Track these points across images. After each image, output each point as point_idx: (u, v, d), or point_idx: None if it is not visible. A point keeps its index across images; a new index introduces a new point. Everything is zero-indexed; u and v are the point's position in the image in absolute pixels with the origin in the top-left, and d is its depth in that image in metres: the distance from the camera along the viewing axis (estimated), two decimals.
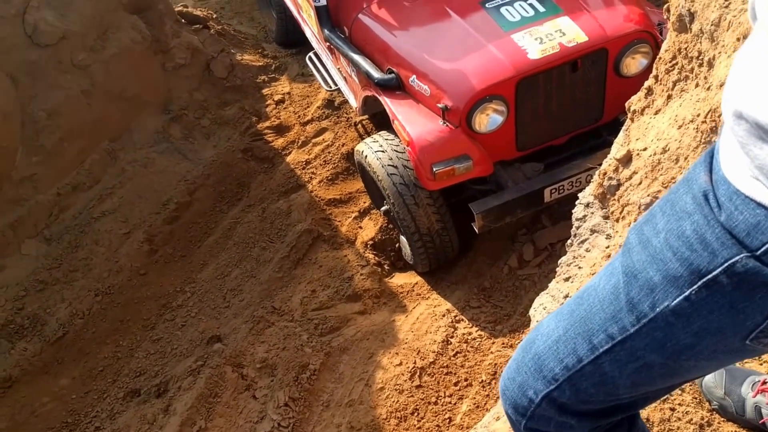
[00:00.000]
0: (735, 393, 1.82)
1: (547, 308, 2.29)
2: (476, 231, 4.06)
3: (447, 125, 3.82)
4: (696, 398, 1.88)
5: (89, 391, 4.15)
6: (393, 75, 4.13)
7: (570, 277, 2.30)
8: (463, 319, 4.16)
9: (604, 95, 4.01)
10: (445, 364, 3.92)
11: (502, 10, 3.97)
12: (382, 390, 3.82)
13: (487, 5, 4.02)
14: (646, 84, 2.14)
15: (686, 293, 1.06)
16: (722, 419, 1.84)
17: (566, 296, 2.25)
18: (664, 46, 2.09)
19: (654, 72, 2.10)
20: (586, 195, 2.37)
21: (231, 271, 4.79)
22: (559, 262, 2.55)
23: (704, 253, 1.03)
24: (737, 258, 0.99)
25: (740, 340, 1.07)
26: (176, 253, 5.04)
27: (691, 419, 1.86)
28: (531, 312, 2.49)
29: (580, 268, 2.20)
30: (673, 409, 1.84)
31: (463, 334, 4.06)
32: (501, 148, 4.00)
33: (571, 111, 4.02)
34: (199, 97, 6.16)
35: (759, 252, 0.97)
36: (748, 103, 0.95)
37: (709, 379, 1.87)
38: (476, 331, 4.07)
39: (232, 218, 5.20)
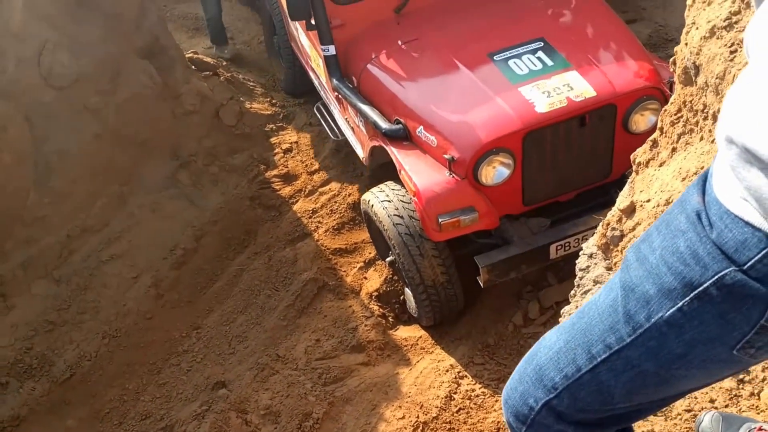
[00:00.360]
0: None
1: None
2: (481, 285, 4.05)
3: (453, 177, 3.87)
4: None
5: None
6: (400, 125, 4.19)
7: None
8: (466, 375, 4.16)
9: (612, 151, 4.02)
10: (447, 420, 3.91)
11: (511, 62, 4.03)
12: None
13: (495, 57, 4.08)
14: (652, 137, 2.21)
15: (679, 304, 1.14)
16: None
17: None
18: (670, 99, 2.15)
19: (659, 124, 2.16)
20: (590, 246, 2.43)
21: (236, 318, 4.83)
22: (561, 311, 2.59)
23: (696, 267, 1.11)
24: (726, 271, 1.08)
25: (728, 350, 1.14)
26: (182, 299, 5.08)
27: None
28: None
29: None
30: None
31: (467, 390, 4.05)
32: (507, 201, 4.02)
33: (579, 167, 4.04)
34: (208, 144, 6.25)
35: (746, 266, 1.06)
36: (738, 129, 1.04)
37: (705, 424, 1.91)
38: (479, 388, 4.07)
39: (239, 265, 5.25)
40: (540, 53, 4.05)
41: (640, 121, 3.94)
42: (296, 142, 6.41)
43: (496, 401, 3.94)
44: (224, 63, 6.99)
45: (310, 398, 4.04)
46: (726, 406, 1.95)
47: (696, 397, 1.99)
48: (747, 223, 1.05)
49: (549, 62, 3.99)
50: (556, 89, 3.84)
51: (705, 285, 1.10)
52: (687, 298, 1.13)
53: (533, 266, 4.08)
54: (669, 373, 1.21)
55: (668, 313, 1.15)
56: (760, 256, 1.04)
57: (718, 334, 1.13)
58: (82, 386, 4.48)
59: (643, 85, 3.91)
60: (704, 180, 1.16)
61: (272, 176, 6.03)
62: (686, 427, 1.96)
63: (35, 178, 5.04)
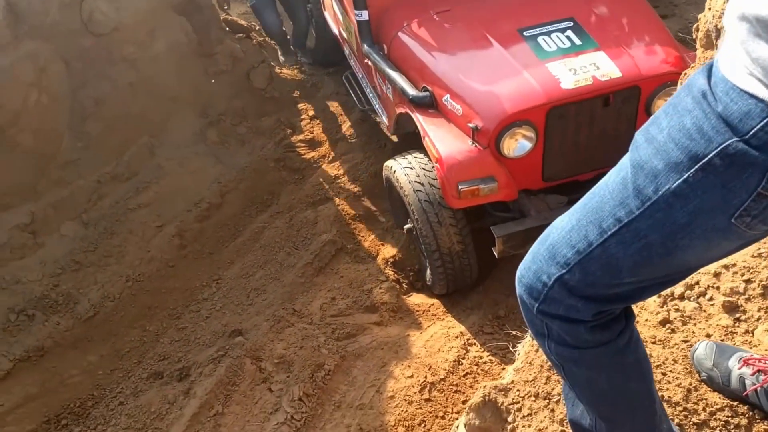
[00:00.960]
0: (722, 365, 1.97)
1: None
2: (496, 255, 4.12)
3: (476, 146, 3.95)
4: (686, 368, 2.02)
5: (115, 369, 4.35)
6: (427, 93, 4.27)
7: None
8: (475, 343, 4.27)
9: (633, 134, 4.06)
10: (454, 383, 4.03)
11: (540, 39, 4.09)
12: (392, 398, 3.94)
13: (525, 33, 4.14)
14: (670, 100, 2.28)
15: (685, 176, 1.24)
16: (709, 389, 1.98)
17: None
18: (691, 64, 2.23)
19: (678, 87, 2.23)
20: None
21: (256, 272, 4.97)
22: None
23: (701, 140, 1.21)
24: (729, 141, 1.18)
25: (727, 219, 1.24)
26: (204, 250, 5.24)
27: (680, 384, 1.99)
28: None
29: None
30: (664, 374, 1.99)
31: (475, 356, 4.17)
32: (527, 175, 4.09)
33: (600, 147, 4.09)
34: (238, 105, 6.39)
35: (748, 135, 1.16)
36: (751, 2, 1.14)
37: (700, 352, 2.02)
38: (487, 356, 4.18)
39: (261, 223, 5.40)
40: (569, 32, 4.11)
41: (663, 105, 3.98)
42: (323, 110, 6.54)
43: (503, 369, 4.05)
44: (257, 27, 7.10)
45: (323, 351, 4.18)
46: (722, 341, 2.06)
47: (693, 332, 2.10)
48: (752, 96, 1.15)
49: (577, 41, 4.05)
50: (583, 67, 3.90)
51: (709, 156, 1.20)
52: (692, 170, 1.23)
53: None
54: (673, 243, 1.31)
55: (675, 184, 1.25)
56: (761, 124, 1.14)
57: (719, 202, 1.23)
58: (104, 325, 4.66)
59: (668, 70, 3.95)
60: (710, 67, 1.26)
61: (297, 141, 6.16)
62: (682, 355, 2.07)
63: (70, 121, 5.20)
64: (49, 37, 5.05)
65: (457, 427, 2.39)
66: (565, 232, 1.43)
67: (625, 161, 1.38)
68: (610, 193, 1.37)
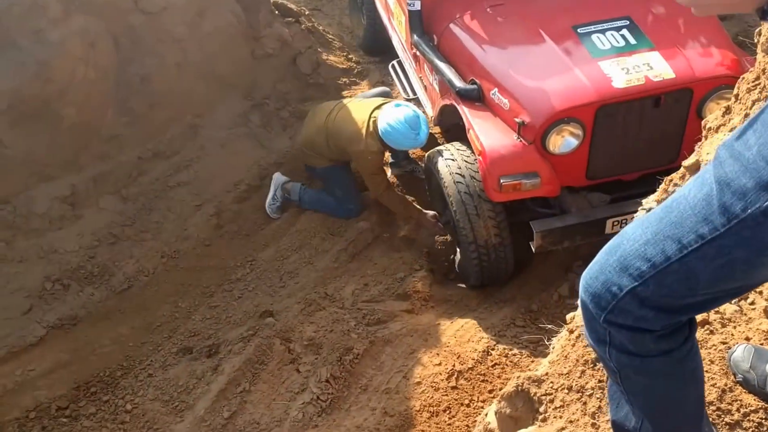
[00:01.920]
0: (760, 368, 1.94)
1: None
2: (533, 250, 4.10)
3: (521, 141, 3.91)
4: (722, 369, 1.99)
5: (146, 342, 4.39)
6: (475, 86, 4.24)
7: None
8: (506, 335, 4.24)
9: (682, 137, 4.00)
10: (482, 372, 4.00)
11: (594, 37, 4.04)
12: (419, 384, 3.92)
13: (579, 30, 4.09)
14: (726, 104, 2.24)
15: None
16: (744, 391, 1.95)
17: None
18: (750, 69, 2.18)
19: (735, 91, 2.19)
20: (650, 201, 2.48)
21: (290, 255, 4.98)
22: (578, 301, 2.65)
23: None
24: None
25: None
26: (241, 231, 5.26)
27: (716, 384, 1.97)
28: (578, 301, 2.59)
29: None
30: None
31: (504, 348, 4.13)
32: (571, 173, 4.05)
33: (647, 148, 4.03)
34: (282, 89, 6.39)
35: None
36: None
37: (737, 354, 2.00)
38: (517, 348, 4.14)
39: (297, 207, 5.39)
40: (624, 31, 4.05)
41: (715, 109, 3.88)
42: None
43: (532, 362, 4.01)
44: (306, 12, 7.10)
45: (352, 335, 4.17)
46: (761, 345, 2.02)
47: (733, 335, 2.06)
48: None
49: (632, 41, 3.99)
50: (636, 67, 3.84)
51: None
52: None
53: (588, 238, 4.10)
54: (759, 260, 1.30)
55: (765, 203, 1.23)
56: None
57: None
58: (137, 298, 4.70)
59: (723, 73, 3.88)
60: None
61: None
62: (719, 356, 2.03)
63: (116, 97, 5.24)
64: (100, 13, 5.09)
65: (486, 415, 2.37)
66: (639, 245, 1.42)
67: (706, 176, 1.35)
68: (691, 208, 1.35)
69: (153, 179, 5.43)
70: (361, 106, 4.97)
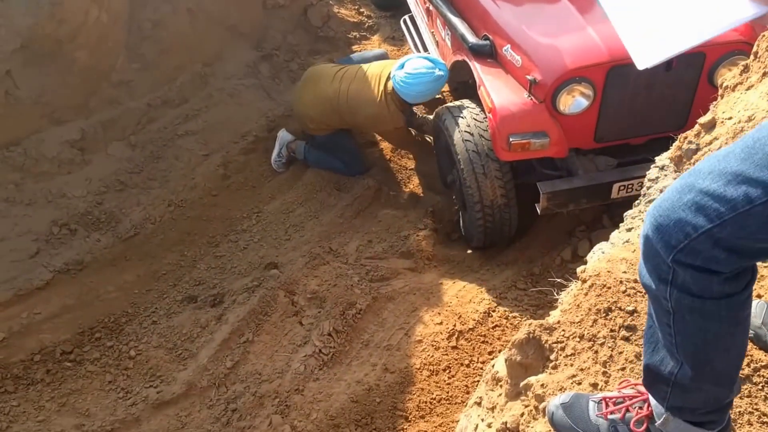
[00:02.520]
0: None
1: (605, 252, 2.41)
2: (539, 211, 4.09)
3: (532, 99, 3.89)
4: None
5: (150, 289, 4.42)
6: (488, 42, 4.20)
7: (632, 228, 2.41)
8: (506, 297, 4.26)
9: (692, 102, 3.98)
10: (482, 333, 4.03)
11: None
12: (420, 342, 3.96)
13: None
14: (744, 62, 2.22)
15: None
16: (755, 346, 1.96)
17: (626, 242, 2.36)
18: None
19: (754, 49, 2.17)
20: (662, 158, 2.47)
21: (295, 209, 4.99)
22: (624, 215, 2.65)
23: None
24: None
25: None
26: (248, 183, 5.26)
27: None
28: (588, 256, 2.61)
29: (643, 221, 2.30)
30: None
31: (505, 310, 4.16)
32: (579, 134, 4.02)
33: (657, 111, 4.01)
34: (292, 41, 6.35)
35: None
36: None
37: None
38: (518, 311, 4.16)
39: (304, 162, 5.39)
40: None
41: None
42: None
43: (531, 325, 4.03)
44: None
45: (355, 290, 4.19)
46: None
47: None
48: None
49: None
50: None
51: None
52: None
53: (593, 201, 4.10)
54: None
55: None
56: None
57: None
58: (143, 246, 4.72)
59: (736, 38, 3.83)
60: None
61: None
62: None
63: (127, 42, 5.21)
64: None
65: (493, 365, 2.39)
66: (719, 185, 1.37)
67: None
68: None
69: (161, 127, 5.43)
70: (372, 78, 4.93)
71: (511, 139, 3.85)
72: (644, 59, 1.27)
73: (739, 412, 1.83)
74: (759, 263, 2.14)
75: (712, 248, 1.39)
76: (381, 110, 4.82)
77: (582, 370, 2.00)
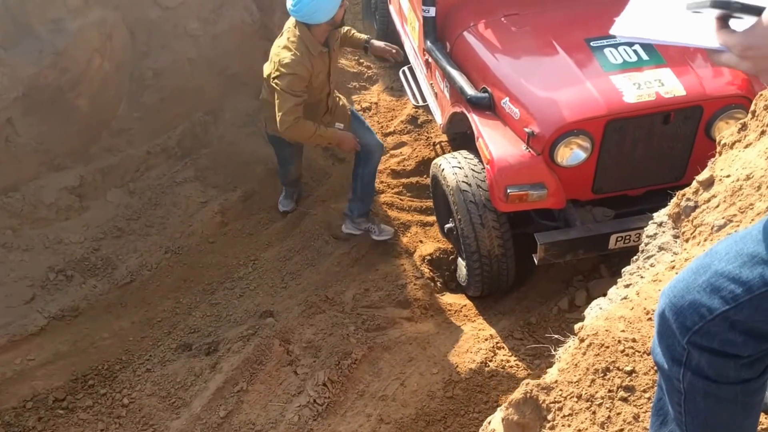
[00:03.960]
0: None
1: (603, 308, 2.40)
2: (536, 262, 4.08)
3: (529, 151, 3.91)
4: None
5: (145, 336, 4.39)
6: (486, 94, 4.23)
7: (630, 285, 2.40)
8: (504, 347, 4.24)
9: (690, 155, 4.00)
10: (479, 383, 4.01)
11: (606, 51, 4.03)
12: (416, 393, 3.93)
13: (592, 44, 4.08)
14: (742, 120, 2.23)
15: None
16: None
17: (623, 298, 2.35)
18: None
19: (752, 108, 2.18)
20: (661, 215, 2.47)
21: (292, 257, 4.98)
22: (622, 271, 2.64)
23: None
24: None
25: None
26: (245, 230, 5.27)
27: None
28: (586, 311, 2.59)
29: (642, 277, 2.30)
30: None
31: (502, 360, 4.14)
32: (577, 186, 4.04)
33: (655, 164, 4.03)
34: None
35: None
36: None
37: None
38: (515, 360, 4.14)
39: (302, 208, 5.40)
40: (637, 47, 4.04)
41: (724, 129, 3.88)
42: (376, 103, 6.52)
43: (528, 375, 4.01)
44: None
45: (351, 340, 4.17)
46: None
47: None
48: None
49: (644, 56, 3.99)
50: (647, 83, 3.84)
51: None
52: None
53: (591, 252, 4.10)
54: None
55: None
56: None
57: None
58: (139, 293, 4.71)
59: (733, 92, 3.88)
60: None
61: None
62: None
63: (129, 90, 5.26)
64: (118, 5, 5.12)
65: (489, 422, 2.36)
66: (734, 267, 1.36)
67: None
68: None
69: (160, 174, 5.45)
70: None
71: (508, 191, 3.86)
72: (621, 28, 1.27)
73: None
74: None
75: (728, 331, 1.37)
76: (280, 52, 4.36)
77: (580, 431, 1.98)
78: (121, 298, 4.66)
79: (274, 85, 4.37)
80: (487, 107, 4.23)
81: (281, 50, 4.38)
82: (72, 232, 4.95)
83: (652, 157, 4.00)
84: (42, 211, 4.89)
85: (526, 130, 3.89)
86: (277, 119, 4.39)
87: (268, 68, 4.59)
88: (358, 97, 6.57)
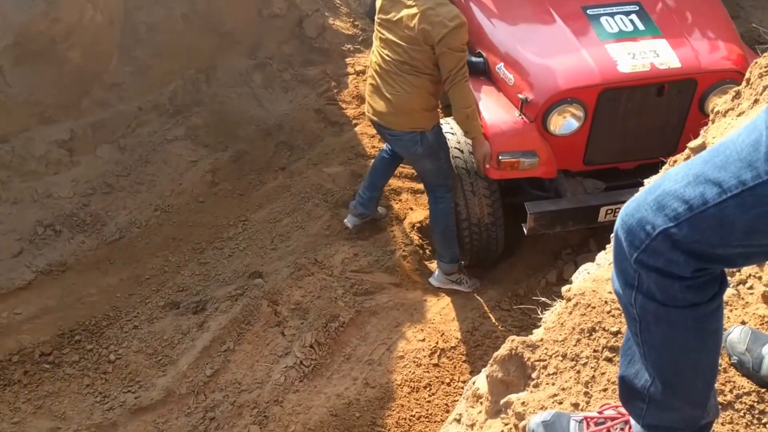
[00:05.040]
0: (755, 351, 1.91)
1: (591, 272, 2.41)
2: (525, 232, 4.09)
3: (522, 118, 3.90)
4: None
5: (133, 294, 4.39)
6: (481, 59, 4.22)
7: None
8: (490, 317, 4.27)
9: (682, 128, 4.00)
10: (464, 352, 4.04)
11: (602, 19, 4.01)
12: (402, 358, 3.95)
13: (588, 12, 4.06)
14: (736, 88, 2.23)
15: None
16: (737, 373, 1.94)
17: (611, 263, 2.36)
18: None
19: (747, 76, 2.18)
20: (650, 180, 2.47)
21: (282, 219, 4.97)
22: (611, 236, 2.64)
23: None
24: None
25: None
26: (235, 190, 5.25)
27: None
28: (574, 276, 2.61)
29: None
30: None
31: (488, 330, 4.16)
32: (569, 156, 4.04)
33: (646, 137, 4.03)
34: (286, 51, 6.34)
35: None
36: None
37: (734, 335, 1.97)
38: (501, 331, 4.17)
39: (294, 171, 5.38)
40: (633, 16, 4.02)
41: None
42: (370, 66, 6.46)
43: None
44: None
45: (339, 303, 4.18)
46: (756, 329, 2.03)
47: (728, 317, 2.05)
48: None
49: (640, 26, 3.97)
50: (642, 53, 3.82)
51: None
52: None
53: (580, 224, 4.10)
54: None
55: None
56: None
57: None
58: (128, 250, 4.69)
59: (728, 66, 3.86)
60: None
61: (341, 94, 6.11)
62: None
63: (121, 44, 5.20)
64: None
65: (474, 382, 2.37)
66: (679, 185, 1.37)
67: (758, 123, 1.31)
68: (737, 152, 1.31)
69: (151, 131, 5.41)
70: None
71: (500, 158, 3.85)
72: None
73: None
74: (743, 284, 2.15)
75: (670, 250, 1.38)
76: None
77: (563, 389, 2.00)
78: (110, 254, 4.64)
79: (445, 49, 3.67)
80: (482, 72, 4.20)
81: (437, 8, 3.67)
82: (61, 186, 4.92)
83: (644, 129, 3.99)
84: (31, 164, 4.86)
85: (520, 96, 3.88)
86: (452, 76, 3.75)
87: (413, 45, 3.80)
88: (352, 60, 6.52)
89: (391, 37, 3.86)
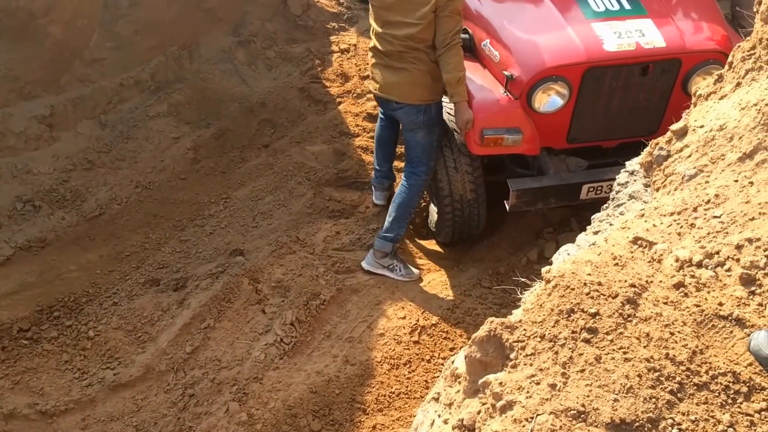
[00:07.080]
0: None
1: (571, 254, 2.41)
2: (507, 208, 4.09)
3: (507, 95, 3.89)
4: (694, 332, 1.92)
5: (113, 270, 4.36)
6: (467, 36, 4.19)
7: (599, 231, 2.41)
8: (471, 295, 4.28)
9: (665, 108, 4.01)
10: (445, 330, 4.04)
11: None
12: (382, 336, 3.95)
13: None
14: (718, 72, 2.22)
15: None
16: (714, 353, 1.91)
17: (592, 244, 2.36)
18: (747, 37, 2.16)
19: (729, 59, 2.17)
20: (633, 163, 2.47)
21: (264, 197, 4.95)
22: (592, 218, 2.65)
23: None
24: None
25: None
26: (217, 168, 5.20)
27: (687, 345, 1.93)
28: (554, 257, 2.61)
29: (610, 224, 2.31)
30: (672, 333, 1.93)
31: (469, 307, 4.16)
32: (552, 133, 4.03)
33: (630, 116, 4.03)
34: (270, 29, 6.28)
35: None
36: None
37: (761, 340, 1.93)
38: (481, 308, 4.18)
39: (277, 149, 5.35)
40: None
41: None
42: (354, 45, 6.42)
43: None
44: None
45: (320, 281, 4.17)
46: (732, 311, 2.02)
47: (706, 299, 2.03)
48: None
49: (627, 6, 3.96)
50: (628, 32, 3.82)
51: None
52: None
53: (562, 201, 4.11)
54: None
55: None
56: None
57: None
58: (108, 226, 4.65)
59: (712, 47, 3.87)
60: None
61: (325, 72, 6.07)
62: (692, 319, 1.98)
63: (102, 19, 5.12)
64: None
65: (453, 361, 2.37)
66: None
67: None
68: None
69: (132, 107, 5.35)
70: None
71: (484, 134, 3.84)
72: None
73: (696, 419, 1.82)
74: None
75: None
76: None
77: (541, 370, 1.99)
78: (90, 231, 4.60)
79: (447, 13, 3.74)
80: (467, 49, 4.17)
81: None
82: (41, 162, 4.86)
83: (627, 108, 4.00)
84: (10, 140, 4.79)
85: (505, 73, 3.87)
86: (449, 39, 3.80)
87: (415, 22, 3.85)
88: (336, 38, 6.47)
89: (395, 18, 3.88)
